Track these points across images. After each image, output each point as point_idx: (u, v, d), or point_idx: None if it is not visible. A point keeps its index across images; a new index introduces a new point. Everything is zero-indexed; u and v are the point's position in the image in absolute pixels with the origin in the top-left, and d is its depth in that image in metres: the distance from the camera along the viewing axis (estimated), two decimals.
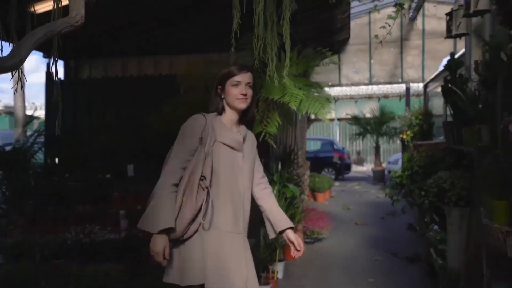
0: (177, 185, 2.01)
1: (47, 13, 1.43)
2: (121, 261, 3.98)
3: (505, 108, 2.61)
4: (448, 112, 4.77)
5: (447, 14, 4.10)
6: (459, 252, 3.54)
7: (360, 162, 20.48)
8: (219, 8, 5.23)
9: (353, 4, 8.82)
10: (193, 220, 2.00)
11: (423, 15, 9.33)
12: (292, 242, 2.21)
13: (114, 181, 4.86)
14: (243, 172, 2.14)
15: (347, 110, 16.61)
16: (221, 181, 2.07)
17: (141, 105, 5.45)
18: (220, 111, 2.15)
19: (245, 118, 2.24)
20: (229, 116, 2.16)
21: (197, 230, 2.02)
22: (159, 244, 1.93)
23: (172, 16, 5.50)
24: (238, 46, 2.58)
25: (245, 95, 2.10)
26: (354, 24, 10.08)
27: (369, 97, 18.02)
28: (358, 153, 20.89)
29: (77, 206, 4.52)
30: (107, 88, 6.10)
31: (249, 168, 2.19)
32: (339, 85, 10.75)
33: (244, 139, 2.17)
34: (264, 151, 4.97)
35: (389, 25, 3.36)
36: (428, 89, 8.77)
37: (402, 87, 12.66)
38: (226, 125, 2.13)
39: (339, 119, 19.59)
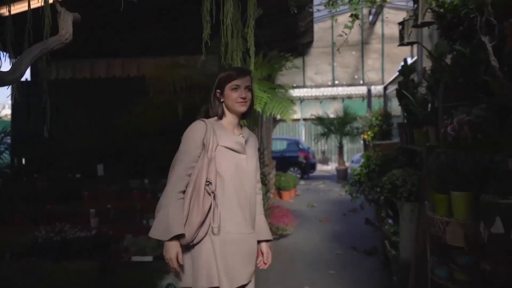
0: (183, 192, 2.08)
1: (23, 13, 1.56)
2: (92, 258, 4.09)
3: (445, 112, 2.91)
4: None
5: (399, 24, 4.43)
6: (410, 243, 3.86)
7: (325, 161, 20.93)
8: (186, 12, 5.40)
9: (316, 9, 9.14)
10: (201, 224, 2.04)
11: (382, 20, 9.77)
12: (262, 254, 2.30)
13: (84, 180, 4.95)
14: (248, 174, 2.18)
15: (312, 111, 16.99)
16: (227, 184, 2.10)
17: (109, 106, 5.54)
18: (220, 115, 2.18)
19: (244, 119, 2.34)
20: (229, 119, 2.20)
21: (206, 234, 2.06)
22: (172, 250, 2.00)
23: (140, 19, 5.63)
24: (206, 50, 2.77)
25: (245, 98, 2.13)
26: (318, 27, 10.40)
27: (334, 97, 18.46)
28: (323, 152, 21.33)
29: (47, 206, 4.59)
30: (75, 90, 6.15)
31: (253, 169, 2.24)
32: (304, 86, 11.08)
33: (247, 141, 2.22)
34: None
35: (346, 34, 3.63)
36: (387, 91, 9.17)
37: (364, 88, 13.14)
38: (227, 129, 2.17)
39: (304, 119, 19.98)
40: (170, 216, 2.00)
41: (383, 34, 9.85)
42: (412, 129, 4.22)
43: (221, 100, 2.18)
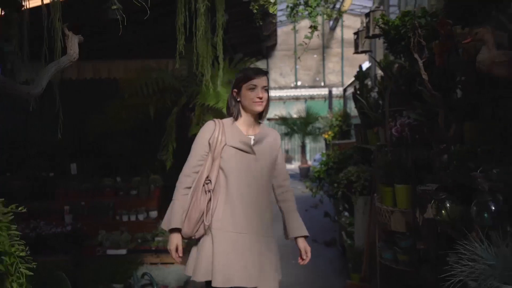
0: (189, 188, 2.18)
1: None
2: (67, 253, 4.28)
3: (391, 115, 3.33)
4: None
5: (354, 34, 4.85)
6: (363, 232, 4.28)
7: (288, 160, 21.41)
8: (157, 17, 5.62)
9: (279, 13, 9.53)
10: (200, 221, 2.13)
11: (342, 26, 10.29)
12: (300, 251, 2.33)
13: (57, 179, 5.10)
14: (257, 174, 2.19)
15: (276, 111, 17.39)
16: (231, 183, 2.15)
17: (82, 107, 5.73)
18: (236, 115, 2.23)
19: (261, 121, 2.32)
20: (245, 119, 2.24)
21: (208, 230, 2.14)
22: (172, 242, 2.17)
23: (111, 23, 5.81)
24: (176, 53, 3.03)
25: (261, 98, 2.16)
26: (281, 31, 10.80)
27: (297, 98, 18.93)
28: (287, 151, 21.81)
29: (22, 204, 4.70)
30: (49, 91, 6.22)
31: (266, 169, 2.24)
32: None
33: (261, 140, 2.24)
34: None
35: (306, 43, 4.00)
36: (346, 93, 9.66)
37: (326, 89, 13.66)
38: (239, 128, 2.22)
39: (268, 119, 20.35)
40: (173, 210, 2.14)
41: (342, 39, 10.37)
42: (366, 130, 4.65)
43: (238, 100, 2.23)
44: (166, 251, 4.47)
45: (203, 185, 2.13)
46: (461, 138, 2.31)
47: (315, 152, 19.54)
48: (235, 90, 2.23)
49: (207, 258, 2.13)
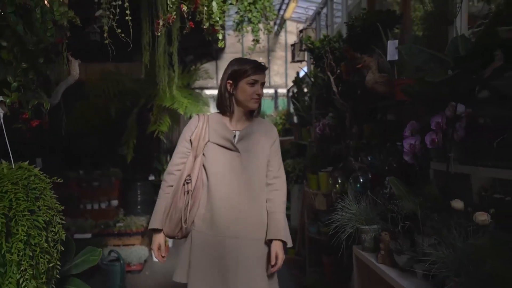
0: (172, 186, 2.07)
1: None
2: None
3: (318, 117, 4.12)
4: None
5: (292, 45, 5.63)
6: (297, 214, 5.08)
7: None
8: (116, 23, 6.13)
9: (227, 18, 10.16)
10: (181, 221, 2.02)
11: (286, 31, 11.09)
12: (270, 254, 2.01)
13: None
14: (242, 173, 2.01)
15: None
16: (213, 183, 2.00)
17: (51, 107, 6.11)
18: (229, 109, 2.05)
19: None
20: (236, 113, 2.07)
21: (188, 230, 2.05)
22: (154, 241, 2.09)
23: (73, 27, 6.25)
24: (132, 57, 3.58)
25: (260, 95, 2.02)
26: (229, 35, 11.41)
27: None
28: None
29: None
30: None
31: (255, 167, 2.04)
32: (217, 87, 12.12)
33: (248, 135, 2.06)
34: (157, 146, 6.09)
35: (249, 54, 4.71)
36: (290, 94, 10.50)
37: (272, 90, 14.46)
38: (225, 123, 2.07)
39: None
40: (155, 209, 2.08)
41: (286, 44, 11.16)
42: (301, 128, 5.46)
43: (232, 93, 2.03)
44: (127, 234, 5.08)
45: (183, 184, 2.01)
46: (361, 135, 3.11)
47: None
48: (230, 81, 2.02)
49: (184, 260, 2.05)
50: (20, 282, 1.53)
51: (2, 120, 1.63)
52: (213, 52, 11.47)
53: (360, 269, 2.13)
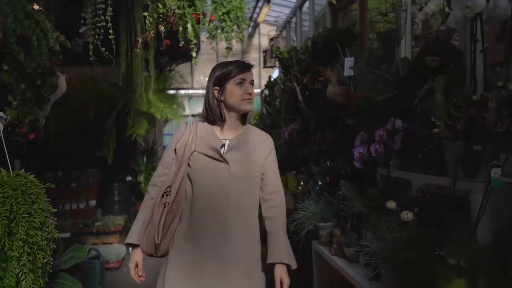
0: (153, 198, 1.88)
1: None
2: None
3: (285, 121, 4.42)
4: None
5: (263, 52, 5.92)
6: None
7: None
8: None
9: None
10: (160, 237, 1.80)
11: (259, 34, 11.39)
12: (275, 279, 1.85)
13: None
14: (231, 186, 1.78)
15: (200, 108, 18.21)
16: (198, 196, 1.80)
17: None
18: (219, 117, 1.84)
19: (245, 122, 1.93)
20: (228, 120, 1.86)
21: (167, 248, 1.83)
22: (131, 258, 1.88)
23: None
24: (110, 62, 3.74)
25: (251, 94, 1.83)
26: (203, 36, 11.60)
27: None
28: None
29: None
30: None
31: (245, 180, 1.82)
32: (192, 88, 12.31)
33: (240, 145, 1.84)
34: (134, 147, 6.28)
35: (226, 57, 4.97)
36: (263, 95, 10.79)
37: None
38: (214, 132, 1.86)
39: (193, 115, 21.12)
40: (134, 223, 1.90)
41: (259, 46, 11.46)
42: (272, 130, 5.74)
43: (221, 99, 1.83)
44: (105, 233, 5.28)
45: (162, 196, 1.82)
46: (324, 140, 3.41)
47: None
48: (216, 88, 1.83)
49: (162, 278, 1.85)
50: (20, 276, 1.76)
51: (1, 133, 1.85)
52: (188, 53, 11.63)
53: (318, 261, 2.43)
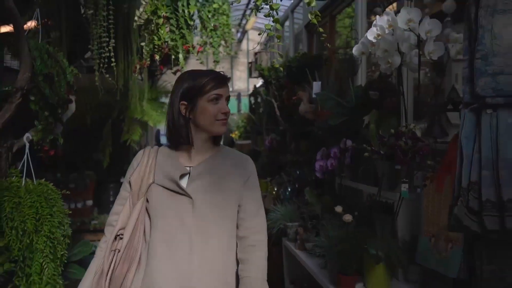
0: None
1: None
2: None
3: (266, 130, 4.89)
4: None
5: (249, 63, 6.39)
6: None
7: None
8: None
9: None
10: None
11: (248, 39, 11.83)
12: None
13: None
14: (196, 225, 1.47)
15: None
16: (154, 240, 1.48)
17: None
18: (185, 139, 1.52)
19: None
20: (196, 144, 1.54)
21: None
22: None
23: None
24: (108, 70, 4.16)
25: (226, 114, 1.53)
26: (195, 43, 12.00)
27: None
28: None
29: None
30: None
31: (216, 216, 1.50)
32: None
33: (207, 171, 1.53)
34: (127, 151, 6.71)
35: (218, 62, 5.41)
36: (251, 98, 11.25)
37: (235, 93, 15.25)
38: (177, 157, 1.56)
39: None
40: (86, 273, 1.56)
41: (248, 51, 11.90)
42: (257, 136, 6.22)
43: (189, 117, 1.51)
44: (101, 231, 5.66)
45: (113, 241, 1.51)
46: (298, 151, 3.89)
47: None
48: (184, 103, 1.50)
49: None
50: (43, 264, 2.21)
51: (27, 149, 2.30)
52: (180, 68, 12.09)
53: (287, 255, 2.91)
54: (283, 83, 3.99)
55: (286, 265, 2.94)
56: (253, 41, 11.37)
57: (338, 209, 2.18)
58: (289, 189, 3.08)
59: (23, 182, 2.25)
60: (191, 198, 1.48)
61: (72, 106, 2.87)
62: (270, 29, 1.66)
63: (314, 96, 3.16)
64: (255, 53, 5.75)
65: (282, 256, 3.01)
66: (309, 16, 1.67)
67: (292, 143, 3.88)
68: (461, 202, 1.49)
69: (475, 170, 1.53)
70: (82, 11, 2.95)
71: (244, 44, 11.82)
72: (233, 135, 10.96)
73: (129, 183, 1.56)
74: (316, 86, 3.20)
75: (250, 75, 6.19)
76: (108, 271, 1.48)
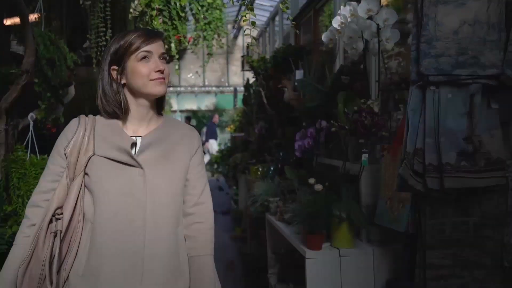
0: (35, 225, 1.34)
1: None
2: None
3: (256, 120, 5.15)
4: None
5: (242, 56, 6.63)
6: (244, 199, 6.10)
7: None
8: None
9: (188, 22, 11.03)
10: (46, 282, 1.28)
11: (243, 35, 12.04)
12: None
13: None
14: (148, 198, 1.35)
15: (188, 103, 18.93)
16: (100, 216, 1.34)
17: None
18: (119, 108, 1.38)
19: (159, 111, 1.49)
20: (135, 110, 1.41)
21: None
22: None
23: None
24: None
25: (162, 71, 1.37)
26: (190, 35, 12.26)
27: (207, 92, 20.67)
28: None
29: None
30: None
31: (167, 188, 1.40)
32: (179, 86, 13.03)
33: (156, 142, 1.42)
34: None
35: (207, 62, 5.67)
36: (245, 94, 11.50)
37: (231, 88, 15.52)
38: (120, 126, 1.40)
39: (181, 111, 21.81)
40: (4, 265, 1.35)
41: (243, 46, 12.16)
42: (249, 127, 6.47)
43: (122, 82, 1.39)
44: None
45: (50, 222, 1.32)
46: (284, 135, 4.15)
47: (224, 143, 21.56)
48: (114, 67, 1.39)
49: None
50: None
51: (31, 127, 2.55)
52: (174, 57, 12.39)
53: (270, 228, 3.17)
54: (270, 73, 4.24)
55: (268, 238, 3.20)
56: (248, 36, 11.59)
57: (311, 180, 2.43)
58: (272, 168, 3.34)
59: (28, 157, 2.50)
60: (142, 169, 1.36)
61: (72, 90, 3.13)
62: (245, 16, 1.90)
63: (296, 84, 3.41)
64: (247, 46, 6.00)
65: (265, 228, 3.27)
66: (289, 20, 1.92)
67: (278, 129, 4.13)
68: (405, 164, 1.74)
69: (420, 138, 1.78)
70: (81, 2, 3.20)
71: (239, 40, 12.08)
72: (229, 129, 11.25)
73: (65, 156, 1.36)
74: (299, 74, 3.45)
75: (243, 68, 6.42)
76: (51, 256, 1.29)
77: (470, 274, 1.81)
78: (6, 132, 2.43)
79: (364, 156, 2.04)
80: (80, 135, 1.37)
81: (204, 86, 13.36)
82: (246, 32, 2.27)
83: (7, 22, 2.76)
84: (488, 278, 1.80)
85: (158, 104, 1.48)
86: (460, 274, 1.81)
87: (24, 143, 2.57)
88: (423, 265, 1.83)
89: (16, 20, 2.61)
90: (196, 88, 16.49)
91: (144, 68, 1.35)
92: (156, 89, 1.37)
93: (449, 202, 1.78)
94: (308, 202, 2.19)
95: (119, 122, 1.41)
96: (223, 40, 5.89)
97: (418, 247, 1.84)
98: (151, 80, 1.36)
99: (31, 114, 2.54)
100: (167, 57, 1.44)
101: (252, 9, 1.94)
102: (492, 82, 1.75)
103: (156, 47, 1.38)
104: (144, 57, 1.36)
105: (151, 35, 1.39)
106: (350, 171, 2.35)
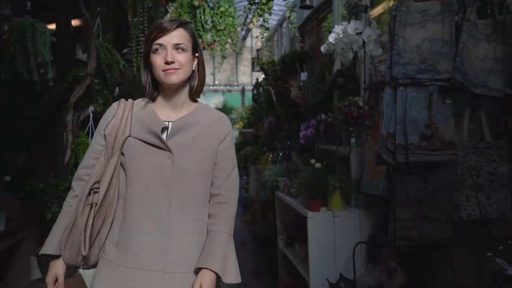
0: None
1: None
2: None
3: (266, 115, 5.78)
4: None
5: (252, 58, 7.27)
6: (254, 187, 6.76)
7: None
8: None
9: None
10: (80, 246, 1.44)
11: (252, 37, 12.68)
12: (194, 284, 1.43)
13: None
14: (175, 180, 1.45)
15: (202, 101, 19.38)
16: (131, 194, 1.46)
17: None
18: (148, 92, 1.51)
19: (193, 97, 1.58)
20: (166, 96, 1.52)
21: (99, 258, 1.49)
22: (49, 271, 1.50)
23: None
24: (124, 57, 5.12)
25: (168, 62, 1.43)
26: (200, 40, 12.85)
27: (215, 90, 21.26)
28: None
29: None
30: None
31: (194, 171, 1.49)
32: None
33: (186, 127, 1.51)
34: None
35: (221, 65, 6.32)
36: (255, 92, 12.13)
37: (240, 87, 16.14)
38: (154, 111, 1.50)
39: None
40: (52, 229, 1.52)
41: (252, 47, 12.74)
42: (259, 122, 7.11)
43: (148, 70, 1.51)
44: None
45: (88, 195, 1.46)
46: (291, 128, 4.79)
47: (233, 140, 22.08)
48: (146, 54, 1.51)
49: None
50: None
51: (91, 118, 3.22)
52: None
53: (279, 203, 3.82)
54: (279, 74, 4.89)
55: (277, 211, 3.85)
56: (256, 38, 12.18)
57: (312, 161, 3.08)
58: (281, 154, 4.00)
59: (89, 141, 3.16)
60: (171, 152, 1.46)
61: (117, 88, 3.80)
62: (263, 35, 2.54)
63: (301, 84, 4.06)
64: (257, 50, 6.64)
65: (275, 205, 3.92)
66: (290, 26, 2.56)
67: (286, 122, 4.78)
68: (381, 143, 2.38)
69: (392, 125, 2.41)
70: (129, 18, 3.86)
71: (248, 41, 12.71)
72: (238, 126, 11.85)
73: (104, 136, 1.51)
74: (303, 76, 4.09)
75: (253, 68, 7.04)
76: (86, 225, 1.44)
77: (428, 226, 2.44)
78: (72, 122, 3.09)
79: (353, 140, 2.69)
80: (119, 117, 1.49)
81: (214, 85, 14.01)
82: (258, 37, 2.86)
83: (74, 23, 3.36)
84: (442, 229, 2.44)
85: (192, 92, 1.56)
86: (421, 226, 2.44)
87: (86, 130, 3.22)
88: (394, 219, 2.47)
89: (78, 22, 3.23)
90: (205, 87, 16.90)
91: (157, 60, 1.45)
92: (166, 79, 1.45)
93: (413, 172, 2.40)
94: (310, 176, 2.84)
95: (154, 107, 1.52)
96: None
97: (391, 207, 2.48)
98: (162, 70, 1.44)
99: (90, 107, 3.21)
100: (185, 46, 1.47)
101: (267, 29, 2.58)
102: (446, 84, 2.33)
103: (168, 39, 1.45)
104: (157, 50, 1.45)
105: (165, 26, 1.46)
106: (342, 152, 2.99)
